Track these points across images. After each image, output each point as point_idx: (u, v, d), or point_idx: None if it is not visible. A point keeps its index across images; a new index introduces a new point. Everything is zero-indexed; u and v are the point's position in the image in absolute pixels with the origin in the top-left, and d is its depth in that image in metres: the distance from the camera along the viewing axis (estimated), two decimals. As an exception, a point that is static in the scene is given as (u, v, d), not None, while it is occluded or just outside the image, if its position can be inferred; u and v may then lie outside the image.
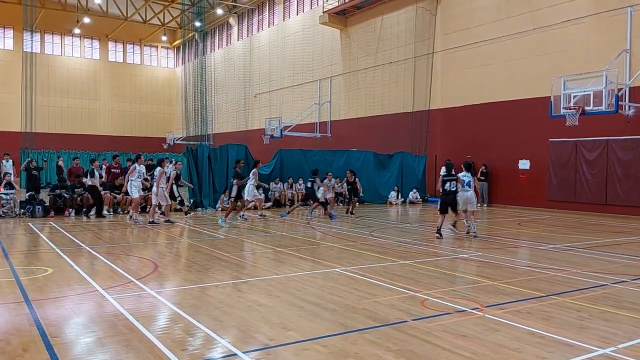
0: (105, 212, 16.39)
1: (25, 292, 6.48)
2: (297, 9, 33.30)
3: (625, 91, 16.35)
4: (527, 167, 20.18)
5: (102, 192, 16.55)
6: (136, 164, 14.07)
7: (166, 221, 14.25)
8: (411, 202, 22.52)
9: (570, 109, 15.17)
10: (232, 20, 39.19)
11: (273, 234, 12.66)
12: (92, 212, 15.73)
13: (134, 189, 14.23)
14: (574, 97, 15.31)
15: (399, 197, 22.51)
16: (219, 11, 37.61)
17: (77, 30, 39.98)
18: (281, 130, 28.26)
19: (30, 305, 5.90)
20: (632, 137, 16.82)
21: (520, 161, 20.42)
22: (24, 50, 27.05)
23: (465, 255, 9.44)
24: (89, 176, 15.57)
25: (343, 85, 29.42)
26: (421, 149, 24.04)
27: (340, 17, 28.97)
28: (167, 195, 14.06)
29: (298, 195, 20.82)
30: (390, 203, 22.12)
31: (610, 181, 17.46)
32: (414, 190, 22.86)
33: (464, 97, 22.71)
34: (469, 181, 11.94)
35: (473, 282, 7.16)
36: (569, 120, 15.24)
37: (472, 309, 5.75)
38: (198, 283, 7.12)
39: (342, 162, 22.82)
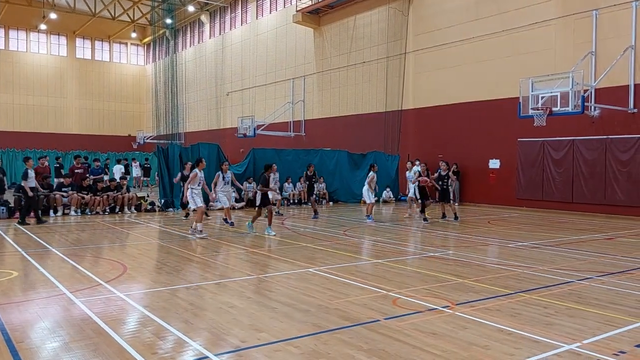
0: (72, 212, 16.05)
1: (-12, 297, 6.28)
2: (270, 8, 33.16)
3: (591, 92, 16.82)
4: (497, 166, 20.56)
5: (69, 193, 16.20)
6: (196, 170, 12.52)
7: (230, 224, 13.88)
8: (384, 201, 22.68)
9: (538, 110, 15.51)
10: (204, 18, 38.76)
11: (245, 234, 12.58)
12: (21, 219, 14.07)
13: (197, 197, 12.24)
14: (542, 98, 15.66)
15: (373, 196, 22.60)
16: (191, 8, 37.15)
17: (43, 26, 38.93)
18: (254, 129, 28.09)
19: (-7, 310, 5.71)
20: (597, 137, 17.30)
21: (490, 160, 20.79)
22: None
23: (436, 254, 9.56)
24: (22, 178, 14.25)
25: (316, 85, 29.43)
26: (394, 149, 24.23)
27: (313, 16, 28.96)
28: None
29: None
30: (364, 202, 22.19)
31: (576, 180, 17.92)
32: (387, 189, 23.03)
33: (436, 98, 22.99)
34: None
35: (444, 280, 7.25)
36: (537, 120, 15.58)
37: (443, 307, 5.82)
38: (168, 285, 7.02)
39: (316, 162, 22.80)
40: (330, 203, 21.99)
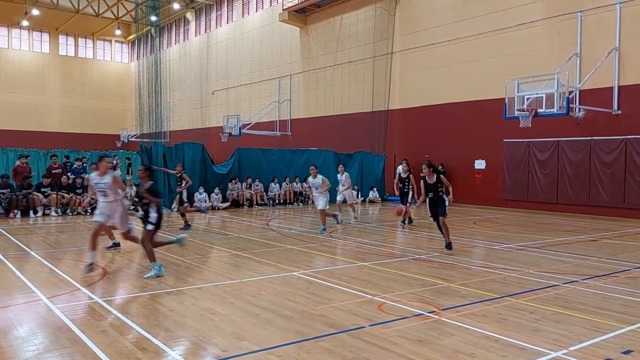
0: (53, 212, 15.77)
1: (-41, 304, 6.06)
2: (257, 6, 32.93)
3: (576, 94, 16.91)
4: (483, 167, 20.62)
5: (48, 193, 15.90)
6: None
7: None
8: (371, 201, 22.63)
9: (523, 111, 15.56)
10: (190, 16, 38.38)
11: (230, 236, 12.42)
12: None
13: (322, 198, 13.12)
14: (527, 99, 15.71)
15: (359, 196, 22.56)
16: (176, 6, 36.76)
17: (25, 23, 38.24)
18: (240, 128, 27.85)
19: (-36, 318, 5.50)
20: (581, 139, 17.42)
21: (476, 161, 20.84)
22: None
23: (422, 256, 9.49)
24: None
25: (303, 84, 29.28)
26: (380, 149, 24.19)
27: (299, 15, 28.81)
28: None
29: (256, 196, 20.57)
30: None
31: (560, 181, 18.03)
32: (374, 190, 22.98)
33: (422, 98, 22.99)
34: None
35: (430, 284, 7.18)
36: (522, 121, 15.63)
37: (429, 313, 5.74)
38: (149, 290, 6.85)
39: (302, 162, 22.70)
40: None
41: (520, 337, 4.92)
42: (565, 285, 7.24)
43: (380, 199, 22.97)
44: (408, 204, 14.12)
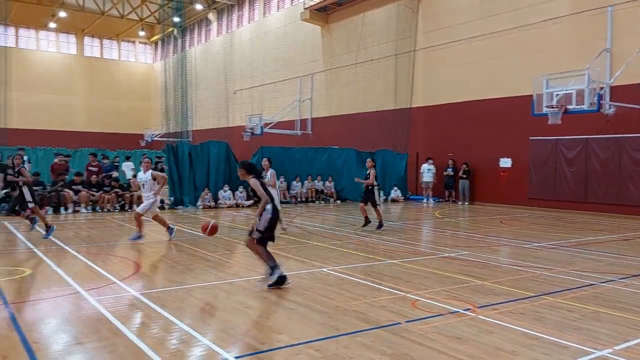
0: (82, 209, 16.08)
1: (3, 295, 6.20)
2: (278, 5, 33.02)
3: (606, 90, 16.55)
4: (509, 165, 20.35)
5: (78, 190, 16.22)
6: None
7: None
8: (393, 200, 22.52)
9: (552, 108, 15.30)
10: (212, 16, 38.67)
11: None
12: None
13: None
14: (556, 95, 15.43)
15: (381, 195, 22.46)
16: (198, 6, 37.07)
17: (52, 25, 38.98)
18: (262, 127, 27.96)
19: (9, 309, 5.63)
20: (611, 136, 17.07)
21: (501, 159, 20.57)
22: (-3, 44, 26.32)
23: (451, 254, 9.41)
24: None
25: (324, 82, 29.28)
26: (403, 147, 24.06)
27: (321, 13, 28.80)
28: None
29: (279, 193, 20.62)
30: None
31: (589, 179, 17.70)
32: (395, 188, 22.87)
33: (446, 95, 22.79)
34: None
35: (463, 282, 7.11)
36: (551, 119, 15.37)
37: (465, 310, 5.68)
38: (183, 284, 6.93)
39: (324, 160, 22.73)
40: (338, 202, 21.86)
41: (561, 336, 4.84)
42: (603, 284, 7.10)
43: (402, 197, 22.84)
44: (378, 206, 12.93)
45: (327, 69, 29.09)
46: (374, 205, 12.86)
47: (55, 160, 17.64)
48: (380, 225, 12.80)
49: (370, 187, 12.86)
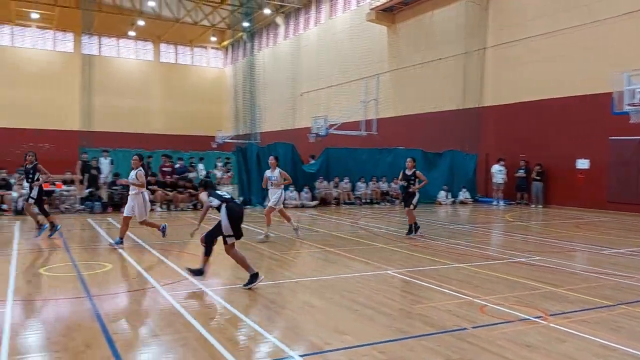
0: (158, 208, 16.91)
1: (86, 288, 6.68)
2: (344, 7, 33.15)
3: (696, 86, 15.33)
4: (586, 167, 19.28)
5: (154, 189, 17.06)
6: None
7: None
8: (461, 202, 21.97)
9: (635, 106, 14.35)
10: (279, 20, 39.42)
11: (321, 232, 12.62)
12: None
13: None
14: (639, 92, 14.47)
15: (449, 196, 22.02)
16: (267, 11, 37.92)
17: (131, 33, 41.26)
18: (327, 128, 28.19)
19: (91, 301, 6.06)
20: (703, 135, 15.77)
21: (578, 160, 19.53)
22: (83, 52, 28.13)
23: (522, 259, 9.08)
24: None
25: (390, 83, 29.06)
26: (472, 147, 23.42)
27: (387, 13, 28.62)
28: None
29: (344, 194, 20.73)
30: (439, 203, 21.66)
31: (677, 182, 16.44)
32: (464, 190, 22.30)
33: (518, 94, 21.95)
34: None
35: (534, 288, 6.85)
36: (634, 117, 14.42)
37: (536, 318, 5.48)
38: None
39: (389, 161, 22.55)
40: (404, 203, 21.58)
41: (641, 347, 4.57)
42: (690, 294, 6.61)
43: (471, 199, 22.23)
44: (412, 206, 11.95)
45: (392, 69, 28.87)
46: (408, 205, 11.92)
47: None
48: (410, 231, 11.80)
49: (411, 188, 11.97)
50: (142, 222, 10.14)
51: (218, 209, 7.00)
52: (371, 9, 28.85)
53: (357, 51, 31.48)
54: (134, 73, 42.80)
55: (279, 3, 37.17)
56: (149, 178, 17.17)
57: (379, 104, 29.46)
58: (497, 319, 5.44)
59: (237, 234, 6.94)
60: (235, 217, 6.94)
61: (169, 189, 17.52)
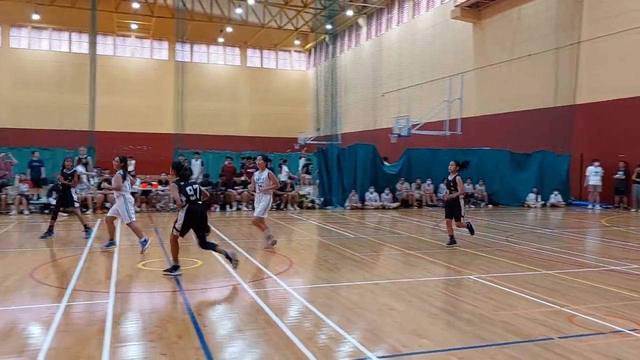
0: (244, 207, 17.66)
1: (179, 282, 7.17)
2: (427, 5, 32.60)
3: None
4: (696, 168, 17.60)
5: (240, 190, 17.80)
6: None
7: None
8: (553, 205, 20.85)
9: None
10: (361, 21, 39.52)
11: (401, 235, 12.56)
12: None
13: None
14: None
15: (538, 199, 20.98)
16: (349, 12, 38.16)
17: (220, 39, 43.23)
18: (409, 129, 27.86)
19: (183, 295, 6.51)
20: None
21: (686, 162, 17.88)
22: (176, 59, 30.00)
23: (617, 267, 8.51)
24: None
25: (475, 81, 28.18)
26: (564, 147, 22.14)
27: (472, 10, 27.77)
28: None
29: (426, 196, 20.40)
30: (528, 206, 20.71)
31: None
32: (556, 193, 21.14)
33: (616, 90, 20.45)
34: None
35: (629, 299, 6.42)
36: None
37: (630, 330, 5.16)
38: (330, 282, 7.31)
39: (473, 162, 21.85)
40: (490, 206, 20.89)
41: None
42: None
43: (563, 203, 21.03)
44: (462, 218, 10.60)
45: (478, 67, 27.97)
46: (457, 218, 10.55)
47: (225, 162, 19.72)
48: (471, 231, 10.80)
49: (445, 197, 10.84)
50: (128, 225, 9.78)
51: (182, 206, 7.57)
52: (456, 6, 28.15)
53: (440, 49, 30.84)
54: (222, 78, 44.81)
55: (361, 4, 37.28)
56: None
57: (463, 103, 28.69)
58: (586, 330, 5.18)
59: (184, 233, 7.61)
60: (192, 220, 7.54)
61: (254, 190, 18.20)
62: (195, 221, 7.55)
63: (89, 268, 8.03)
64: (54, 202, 15.02)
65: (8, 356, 4.47)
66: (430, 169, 20.88)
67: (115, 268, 8.02)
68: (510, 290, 6.83)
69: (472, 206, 20.67)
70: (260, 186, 10.07)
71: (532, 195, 20.95)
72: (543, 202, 20.96)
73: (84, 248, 9.79)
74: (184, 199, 7.49)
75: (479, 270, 8.20)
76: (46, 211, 14.80)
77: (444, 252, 10.00)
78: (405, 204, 20.09)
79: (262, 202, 10.05)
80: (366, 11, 38.63)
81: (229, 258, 7.65)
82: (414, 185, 20.56)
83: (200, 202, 7.64)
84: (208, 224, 7.83)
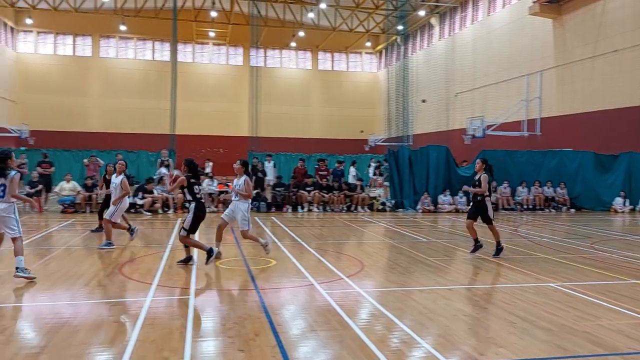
0: (315, 208, 17.90)
1: (254, 281, 7.42)
2: (503, 2, 31.46)
3: None
4: None
5: (311, 191, 18.08)
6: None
7: None
8: (642, 211, 19.47)
9: None
10: (434, 21, 38.83)
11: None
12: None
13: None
14: None
15: (626, 203, 19.65)
16: (421, 12, 37.61)
17: (292, 44, 44.04)
18: (483, 129, 27.03)
19: (259, 293, 6.73)
20: None
21: None
22: (251, 65, 30.95)
23: None
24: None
25: (555, 79, 26.83)
26: (656, 149, 20.60)
27: (553, 5, 26.46)
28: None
29: (502, 200, 19.69)
30: (615, 211, 19.46)
31: None
32: (647, 198, 19.71)
33: None
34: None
35: None
36: None
37: None
38: (402, 286, 7.27)
39: (553, 164, 20.88)
40: (572, 210, 19.84)
41: None
42: None
43: (656, 208, 19.57)
44: (493, 221, 9.82)
45: (558, 64, 26.61)
46: (488, 221, 9.70)
47: (298, 164, 20.12)
48: (499, 249, 9.62)
49: (480, 197, 9.76)
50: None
51: (188, 201, 8.24)
52: (534, 2, 26.96)
53: (517, 47, 29.66)
54: (294, 81, 45.64)
55: (434, 4, 36.63)
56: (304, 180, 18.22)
57: (543, 102, 27.47)
58: (681, 347, 4.83)
59: (194, 231, 8.34)
60: (201, 218, 8.28)
61: (324, 191, 18.39)
62: (202, 219, 8.35)
63: (171, 265, 8.48)
64: (139, 202, 16.01)
65: (100, 346, 4.84)
66: (507, 171, 20.15)
67: (194, 266, 8.42)
68: (594, 300, 6.49)
69: (553, 210, 19.74)
70: (237, 193, 9.10)
71: (619, 199, 19.67)
72: (632, 206, 19.62)
73: (166, 246, 10.36)
74: (189, 197, 8.25)
75: (560, 277, 7.84)
76: (132, 210, 15.76)
77: (522, 258, 9.63)
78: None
79: (239, 213, 8.92)
80: (439, 10, 37.92)
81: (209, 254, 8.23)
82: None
83: (203, 201, 8.52)
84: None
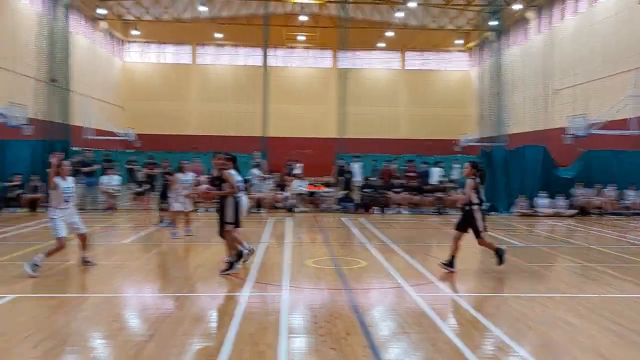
0: (403, 210, 17.72)
1: (345, 281, 7.51)
2: (610, -10, 29.20)
3: None
4: None
5: (400, 192, 17.91)
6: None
7: None
8: None
9: None
10: (530, 14, 36.91)
11: (578, 245, 11.47)
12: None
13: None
14: None
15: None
16: (517, 6, 35.91)
17: (380, 44, 43.89)
18: (586, 128, 25.26)
19: (349, 293, 6.80)
20: None
21: None
22: (339, 66, 31.22)
23: None
24: None
25: (672, 72, 24.47)
26: None
27: (667, -9, 24.18)
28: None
29: (608, 203, 18.25)
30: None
31: None
32: None
33: None
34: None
35: None
36: None
37: None
38: (497, 291, 7.03)
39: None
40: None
41: None
42: None
43: None
44: (482, 232, 8.25)
45: (675, 55, 24.25)
46: (476, 234, 8.22)
47: (385, 165, 20.06)
48: (500, 259, 8.19)
49: (468, 206, 8.21)
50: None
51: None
52: (646, -12, 24.78)
53: (625, 39, 27.37)
54: (381, 82, 45.45)
55: (530, -4, 34.84)
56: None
57: (655, 97, 25.18)
58: None
59: (239, 223, 8.04)
60: (240, 210, 8.06)
61: (414, 193, 18.14)
62: (240, 210, 8.15)
63: (265, 262, 8.80)
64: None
65: (199, 338, 5.14)
66: (613, 173, 18.67)
67: (287, 263, 8.67)
68: None
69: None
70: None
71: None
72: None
73: (259, 243, 10.75)
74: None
75: (677, 289, 7.16)
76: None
77: (630, 266, 8.91)
78: (583, 211, 18.20)
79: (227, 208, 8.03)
80: (536, 3, 35.99)
81: (239, 256, 8.05)
82: (593, 190, 18.51)
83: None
84: None
